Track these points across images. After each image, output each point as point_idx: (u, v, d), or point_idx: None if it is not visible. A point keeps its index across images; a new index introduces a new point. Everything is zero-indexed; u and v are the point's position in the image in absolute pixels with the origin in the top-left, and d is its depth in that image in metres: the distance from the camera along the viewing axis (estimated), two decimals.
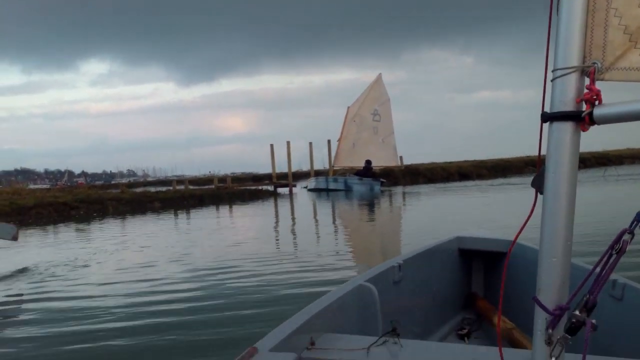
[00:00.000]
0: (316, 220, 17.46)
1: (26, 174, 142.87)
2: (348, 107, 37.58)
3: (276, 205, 25.44)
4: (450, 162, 47.52)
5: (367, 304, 2.70)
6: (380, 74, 39.10)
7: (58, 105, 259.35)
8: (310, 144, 39.18)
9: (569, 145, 1.19)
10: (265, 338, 2.03)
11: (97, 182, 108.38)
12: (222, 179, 38.50)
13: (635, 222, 1.15)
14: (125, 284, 7.77)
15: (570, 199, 1.20)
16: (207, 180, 50.43)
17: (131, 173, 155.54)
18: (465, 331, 3.52)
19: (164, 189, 33.22)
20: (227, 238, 13.16)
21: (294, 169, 41.23)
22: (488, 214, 15.40)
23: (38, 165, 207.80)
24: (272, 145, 38.61)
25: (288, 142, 38.05)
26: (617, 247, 1.16)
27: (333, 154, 37.82)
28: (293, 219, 18.43)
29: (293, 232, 14.44)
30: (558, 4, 1.22)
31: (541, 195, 1.21)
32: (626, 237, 1.14)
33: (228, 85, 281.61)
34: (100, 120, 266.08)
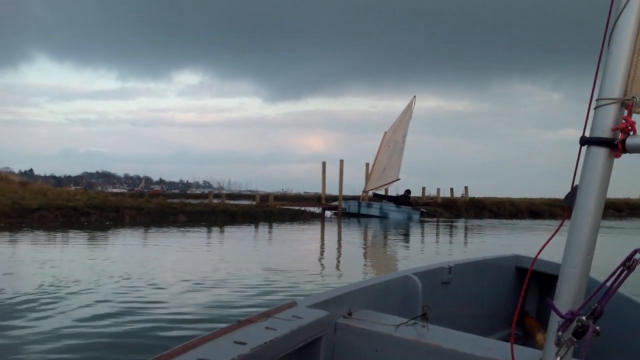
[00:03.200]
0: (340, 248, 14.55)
1: (107, 177, 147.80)
2: (384, 132, 35.14)
3: (322, 230, 22.81)
4: (523, 198, 42.61)
5: (409, 294, 2.72)
6: (414, 96, 35.38)
7: (146, 112, 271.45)
8: (341, 161, 34.49)
9: (601, 168, 1.27)
10: (306, 298, 2.17)
11: (173, 191, 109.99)
12: (265, 197, 35.67)
13: None
14: None
15: (596, 217, 1.28)
16: (251, 196, 48.05)
17: (207, 184, 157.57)
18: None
19: (195, 201, 30.75)
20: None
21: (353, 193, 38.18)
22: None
23: (119, 169, 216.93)
24: (324, 163, 35.48)
25: (341, 161, 34.81)
26: (627, 264, 1.22)
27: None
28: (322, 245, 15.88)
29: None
30: (610, 40, 1.28)
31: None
32: (637, 256, 1.21)
33: (313, 105, 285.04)
34: (184, 130, 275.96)
